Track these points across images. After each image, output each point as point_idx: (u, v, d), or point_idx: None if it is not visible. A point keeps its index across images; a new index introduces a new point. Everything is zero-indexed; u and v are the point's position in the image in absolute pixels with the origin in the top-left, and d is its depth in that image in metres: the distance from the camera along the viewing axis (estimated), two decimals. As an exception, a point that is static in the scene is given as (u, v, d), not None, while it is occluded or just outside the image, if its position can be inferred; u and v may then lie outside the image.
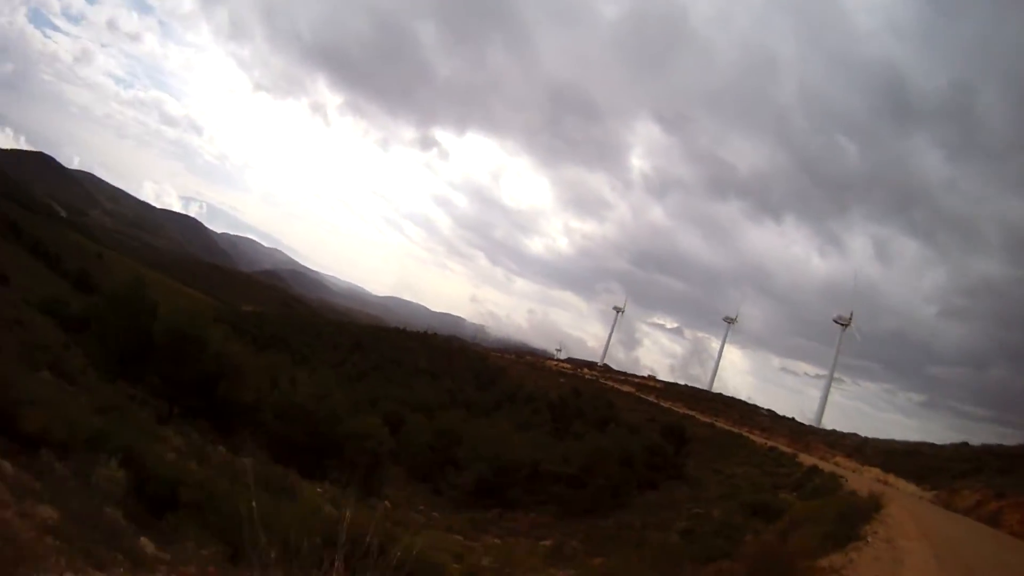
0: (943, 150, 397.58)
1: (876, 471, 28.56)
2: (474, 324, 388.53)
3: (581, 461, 23.39)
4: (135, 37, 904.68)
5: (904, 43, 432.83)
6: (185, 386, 17.27)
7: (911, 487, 23.49)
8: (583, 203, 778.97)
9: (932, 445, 34.02)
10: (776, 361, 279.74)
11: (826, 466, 32.08)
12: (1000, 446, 26.34)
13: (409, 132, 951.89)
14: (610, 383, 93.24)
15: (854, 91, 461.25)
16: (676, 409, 73.11)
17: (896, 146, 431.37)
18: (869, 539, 10.41)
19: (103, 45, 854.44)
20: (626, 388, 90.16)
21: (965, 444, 30.63)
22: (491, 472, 23.15)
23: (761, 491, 25.80)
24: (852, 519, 12.13)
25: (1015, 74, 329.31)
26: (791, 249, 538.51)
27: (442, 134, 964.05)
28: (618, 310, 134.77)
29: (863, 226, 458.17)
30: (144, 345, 17.98)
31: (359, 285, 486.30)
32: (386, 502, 20.08)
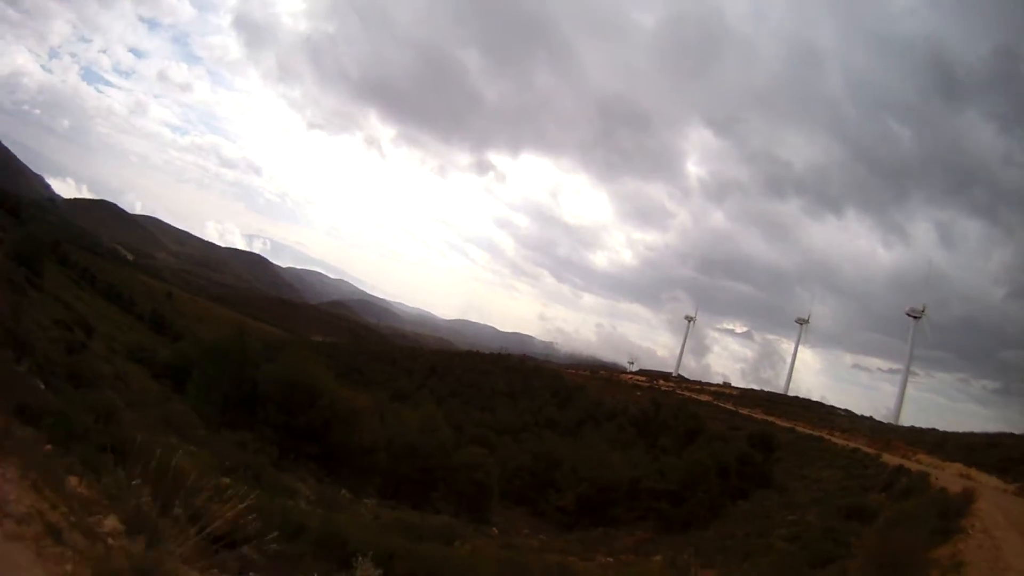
0: (995, 122, 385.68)
1: (958, 466, 28.97)
2: (543, 342, 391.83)
3: (680, 476, 24.80)
4: (186, 87, 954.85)
5: (942, 14, 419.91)
6: (298, 432, 18.91)
7: (993, 480, 23.98)
8: (643, 214, 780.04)
9: (1012, 435, 34.20)
10: (848, 359, 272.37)
11: (909, 465, 32.52)
12: None
13: (464, 158, 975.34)
14: (687, 393, 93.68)
15: (899, 72, 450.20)
16: (755, 416, 73.06)
17: (948, 124, 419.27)
18: (969, 531, 11.84)
19: (156, 96, 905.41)
20: (703, 397, 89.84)
21: None
22: (594, 491, 24.73)
23: (851, 494, 26.72)
24: (949, 515, 13.51)
25: None
26: (855, 242, 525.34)
27: (497, 157, 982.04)
28: (689, 319, 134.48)
29: (924, 211, 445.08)
30: (249, 394, 19.74)
31: (427, 310, 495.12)
32: (493, 528, 21.85)
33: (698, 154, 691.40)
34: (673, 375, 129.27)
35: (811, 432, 58.87)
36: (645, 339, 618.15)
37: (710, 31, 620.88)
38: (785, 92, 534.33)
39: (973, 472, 26.33)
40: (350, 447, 19.26)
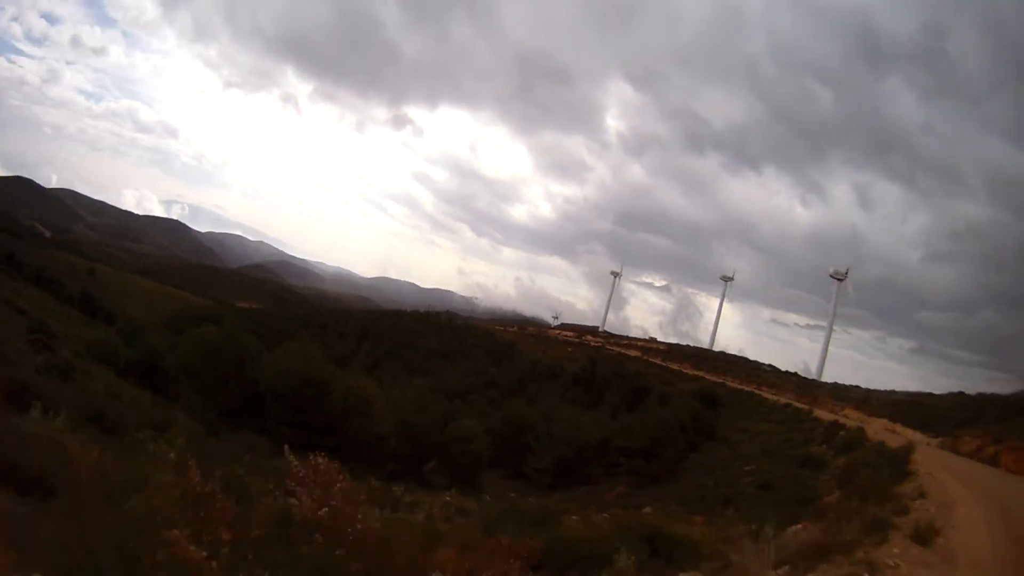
0: (917, 93, 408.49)
1: (884, 421, 32.42)
2: (464, 297, 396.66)
3: (649, 434, 27.24)
4: (100, 51, 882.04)
5: None
6: (316, 428, 18.27)
7: (917, 435, 26.72)
8: (562, 167, 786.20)
9: (931, 395, 38.35)
10: (766, 313, 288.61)
11: (841, 420, 36.19)
12: (995, 395, 30.30)
13: (382, 112, 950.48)
14: (617, 349, 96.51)
15: (824, 38, 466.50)
16: (685, 371, 77.01)
17: (870, 91, 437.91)
18: (918, 474, 14.45)
19: (69, 63, 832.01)
20: (633, 353, 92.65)
21: (962, 394, 34.81)
22: (571, 453, 26.83)
23: (795, 446, 29.89)
24: (897, 462, 16.22)
25: (987, 14, 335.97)
26: (773, 200, 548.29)
27: (414, 111, 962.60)
28: (615, 274, 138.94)
29: (843, 172, 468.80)
30: (253, 393, 19.58)
31: (347, 269, 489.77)
32: (486, 496, 23.52)
33: (618, 108, 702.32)
34: (600, 330, 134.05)
35: (742, 387, 63.24)
36: (565, 292, 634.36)
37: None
38: (707, 50, 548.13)
39: (898, 427, 29.68)
40: (366, 436, 19.58)
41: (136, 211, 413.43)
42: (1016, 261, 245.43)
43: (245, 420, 18.80)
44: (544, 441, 28.15)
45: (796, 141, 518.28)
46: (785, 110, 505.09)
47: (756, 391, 61.00)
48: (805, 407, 43.64)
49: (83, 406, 11.03)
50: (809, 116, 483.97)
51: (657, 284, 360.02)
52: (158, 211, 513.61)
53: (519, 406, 33.94)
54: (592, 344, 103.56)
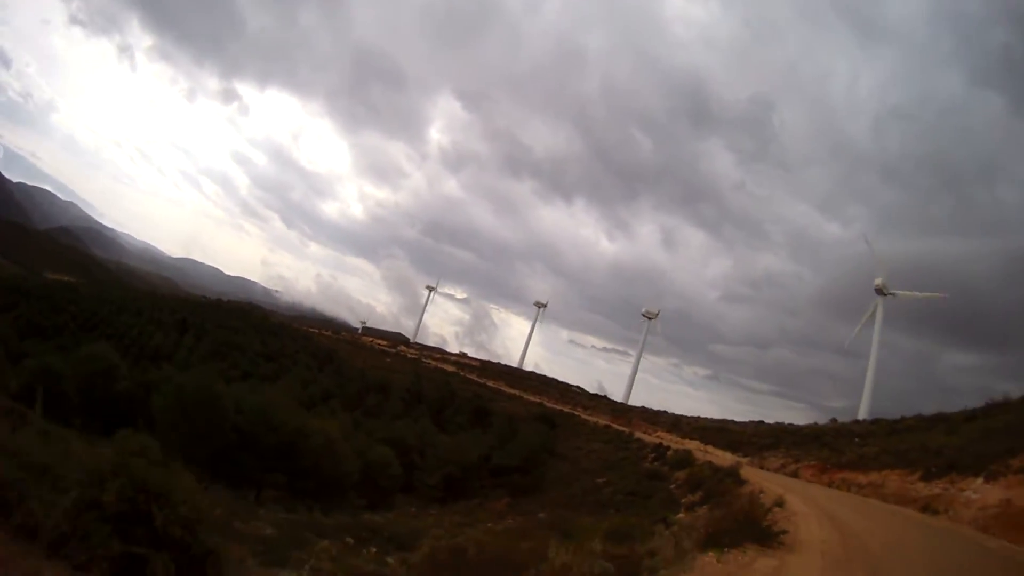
0: (735, 155, 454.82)
1: (696, 443, 40.28)
2: (265, 288, 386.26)
3: (523, 453, 31.83)
4: None
5: (714, 56, 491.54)
6: (295, 474, 19.35)
7: (728, 455, 34.30)
8: (379, 170, 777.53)
9: (734, 422, 47.73)
10: (565, 334, 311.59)
11: (658, 440, 43.58)
12: (791, 425, 39.78)
13: (213, 83, 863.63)
14: (433, 363, 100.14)
15: (656, 92, 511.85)
16: (503, 389, 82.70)
17: (690, 146, 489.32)
18: (749, 481, 20.49)
19: None
20: (448, 367, 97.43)
21: (762, 422, 44.38)
22: (459, 470, 30.53)
23: (631, 463, 36.12)
24: (733, 474, 22.35)
25: (814, 97, 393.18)
26: (580, 230, 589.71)
27: (244, 88, 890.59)
28: (431, 289, 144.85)
29: (651, 214, 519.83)
30: (236, 443, 18.89)
31: (154, 245, 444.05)
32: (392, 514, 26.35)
33: (443, 122, 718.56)
34: (412, 341, 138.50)
35: (562, 408, 70.30)
36: (366, 295, 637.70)
37: (482, 8, 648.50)
38: (541, 83, 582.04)
39: (710, 448, 37.26)
40: (336, 475, 20.76)
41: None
42: (809, 308, 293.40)
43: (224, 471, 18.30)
44: (431, 460, 31.46)
45: (610, 180, 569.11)
46: (605, 150, 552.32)
47: (574, 412, 68.46)
48: (625, 429, 51.07)
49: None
50: (627, 159, 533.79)
51: (459, 296, 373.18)
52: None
53: (401, 427, 36.59)
54: (409, 356, 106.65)
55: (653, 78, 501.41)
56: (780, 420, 42.59)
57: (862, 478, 20.72)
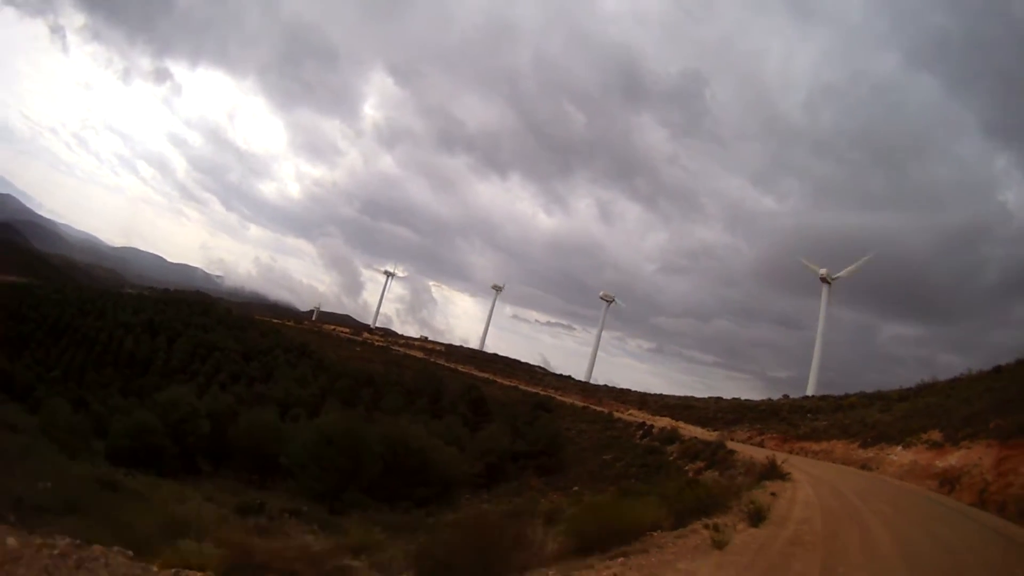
0: (668, 129, 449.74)
1: (668, 420, 47.55)
2: (207, 273, 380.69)
3: (545, 440, 39.15)
4: None
5: (646, 31, 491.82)
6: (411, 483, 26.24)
7: (699, 430, 41.59)
8: (315, 148, 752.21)
9: (695, 398, 56.21)
10: (508, 309, 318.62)
11: (637, 418, 50.28)
12: (748, 400, 48.27)
13: (146, 63, 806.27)
14: (402, 350, 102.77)
15: (588, 67, 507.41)
16: (476, 373, 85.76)
17: (623, 120, 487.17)
18: (737, 451, 28.52)
19: None
20: (416, 353, 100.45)
21: (720, 399, 52.69)
22: (497, 459, 37.56)
23: (625, 441, 43.37)
24: (722, 447, 30.40)
25: (745, 74, 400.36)
26: (517, 205, 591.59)
27: (176, 67, 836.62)
28: (389, 274, 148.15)
29: (587, 188, 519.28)
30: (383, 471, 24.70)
31: (94, 235, 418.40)
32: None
33: (377, 98, 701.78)
34: (372, 327, 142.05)
35: (536, 390, 73.23)
36: (308, 276, 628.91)
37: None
38: (472, 56, 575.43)
39: (682, 424, 44.87)
40: (449, 478, 26.92)
41: None
42: (747, 280, 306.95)
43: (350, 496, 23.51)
44: (472, 452, 38.29)
45: (545, 154, 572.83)
46: (539, 125, 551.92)
47: (547, 393, 73.53)
48: (603, 410, 56.57)
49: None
50: (561, 134, 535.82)
51: (399, 274, 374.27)
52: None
53: (439, 425, 42.80)
54: (376, 344, 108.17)
55: (585, 52, 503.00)
56: (726, 391, 51.59)
57: (815, 446, 29.19)
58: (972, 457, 15.99)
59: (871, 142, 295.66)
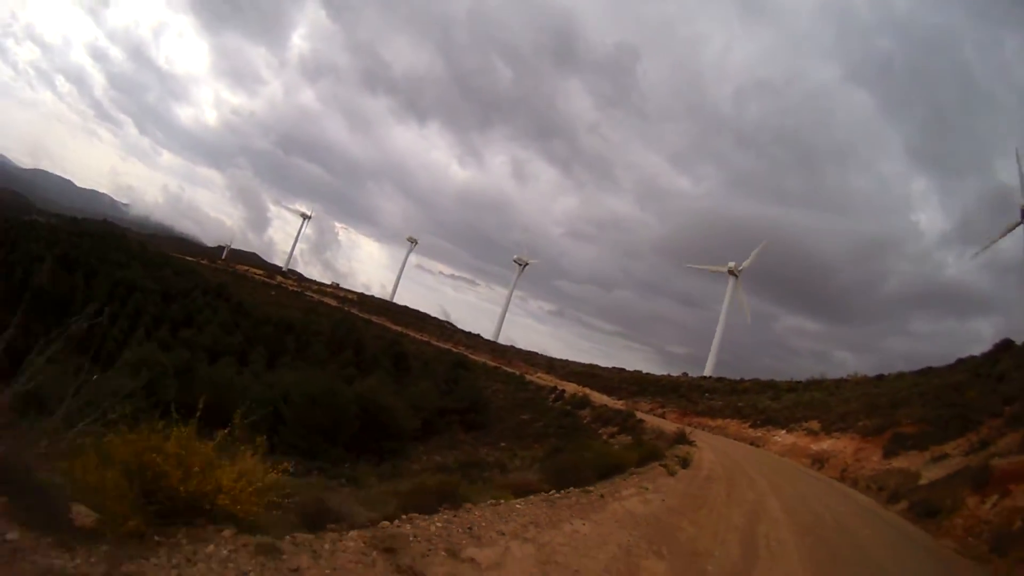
0: (594, 98, 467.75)
1: (575, 386, 52.20)
2: (114, 200, 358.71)
3: (471, 397, 43.33)
4: None
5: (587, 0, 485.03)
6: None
7: (605, 398, 46.87)
8: (238, 75, 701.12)
9: (598, 367, 61.81)
10: (414, 259, 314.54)
11: (547, 382, 54.31)
12: (649, 374, 54.13)
13: None
14: (315, 296, 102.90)
15: (524, 25, 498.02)
16: (389, 326, 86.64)
17: (550, 83, 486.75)
18: (644, 417, 34.07)
19: None
20: (331, 301, 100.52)
21: (623, 369, 58.53)
22: (430, 415, 41.42)
23: (539, 402, 47.76)
24: (631, 416, 35.91)
25: (681, 58, 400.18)
26: (432, 153, 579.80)
27: None
28: (305, 216, 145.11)
29: (504, 145, 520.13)
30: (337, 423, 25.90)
31: (3, 154, 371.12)
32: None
33: (307, 29, 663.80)
34: (285, 269, 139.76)
35: (448, 347, 75.26)
36: (216, 209, 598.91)
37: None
38: (408, 1, 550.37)
39: (588, 391, 49.86)
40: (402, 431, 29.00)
41: None
42: (652, 255, 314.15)
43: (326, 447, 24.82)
44: (406, 408, 41.80)
45: (467, 106, 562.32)
46: (465, 76, 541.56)
47: (458, 350, 75.79)
48: (515, 371, 59.72)
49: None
50: (485, 87, 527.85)
51: (309, 213, 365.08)
52: None
53: (371, 383, 45.71)
54: (291, 288, 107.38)
55: (524, 10, 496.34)
56: (624, 361, 57.38)
57: (711, 423, 35.35)
58: (839, 445, 21.96)
59: (794, 143, 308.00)
